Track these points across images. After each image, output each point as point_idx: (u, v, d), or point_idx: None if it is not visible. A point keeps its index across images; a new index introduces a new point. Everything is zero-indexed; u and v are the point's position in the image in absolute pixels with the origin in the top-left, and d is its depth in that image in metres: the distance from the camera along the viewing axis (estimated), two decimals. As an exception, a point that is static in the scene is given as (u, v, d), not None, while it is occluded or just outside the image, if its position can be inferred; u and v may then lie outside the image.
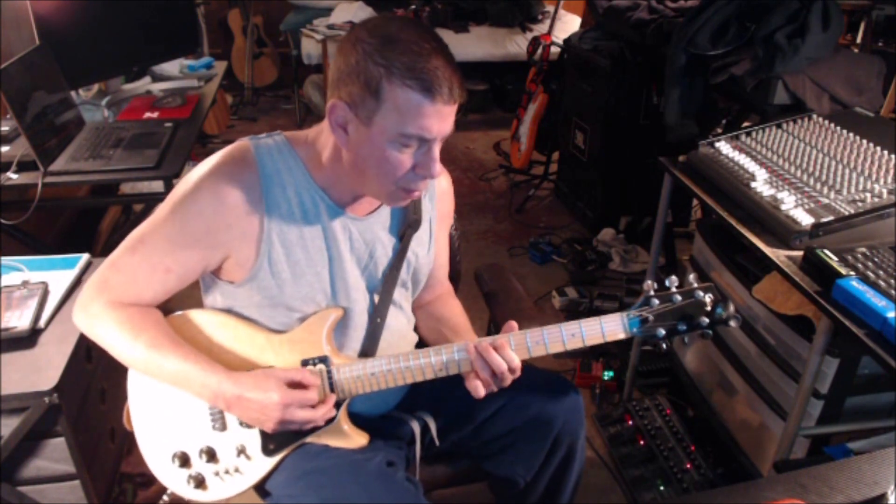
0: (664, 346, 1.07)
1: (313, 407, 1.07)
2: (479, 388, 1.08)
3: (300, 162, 1.08)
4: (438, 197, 1.27)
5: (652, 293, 1.06)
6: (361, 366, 1.11)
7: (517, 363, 1.07)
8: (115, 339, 1.05)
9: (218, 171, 1.05)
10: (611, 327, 1.07)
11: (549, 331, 1.08)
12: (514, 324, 1.11)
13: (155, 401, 1.13)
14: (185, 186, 1.05)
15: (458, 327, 1.27)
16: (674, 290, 1.05)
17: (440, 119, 0.97)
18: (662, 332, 1.05)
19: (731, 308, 1.04)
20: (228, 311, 1.14)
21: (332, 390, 1.11)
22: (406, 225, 1.19)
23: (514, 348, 1.08)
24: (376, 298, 1.19)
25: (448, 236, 1.38)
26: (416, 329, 1.33)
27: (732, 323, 1.05)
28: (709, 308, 1.04)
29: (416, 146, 0.99)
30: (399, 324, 1.24)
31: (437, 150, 1.01)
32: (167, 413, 1.12)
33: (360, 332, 1.18)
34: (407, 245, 1.18)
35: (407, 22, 0.97)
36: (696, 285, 1.05)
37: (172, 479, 1.13)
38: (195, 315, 1.14)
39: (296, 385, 1.06)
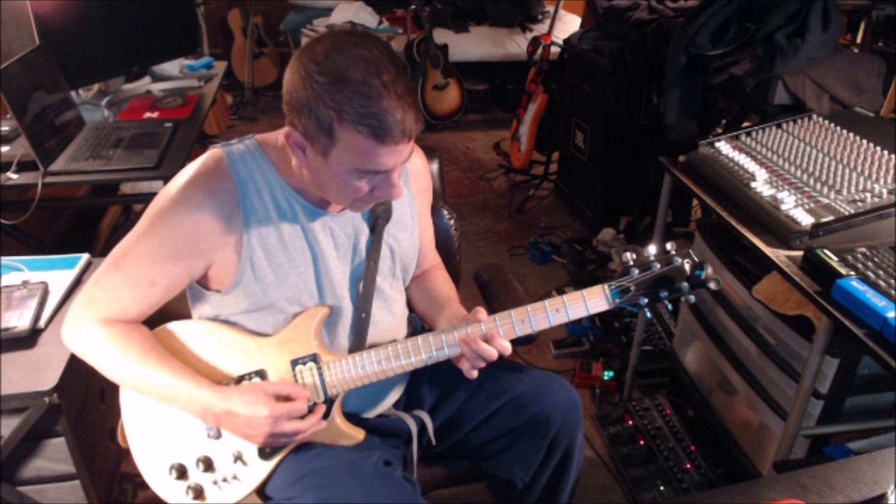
0: (648, 313, 1.08)
1: (302, 418, 1.08)
2: (472, 372, 1.11)
3: (272, 165, 1.09)
4: (413, 177, 1.27)
5: (631, 263, 1.07)
6: (352, 361, 1.12)
7: (509, 350, 1.08)
8: (103, 358, 1.06)
9: (193, 183, 1.05)
10: (594, 300, 1.08)
11: (534, 308, 1.09)
12: (482, 310, 1.12)
13: (149, 414, 1.13)
14: (162, 200, 1.06)
15: (443, 301, 1.28)
16: (652, 258, 1.06)
17: (395, 155, 0.98)
18: (645, 300, 1.07)
19: (710, 270, 1.06)
20: (215, 319, 1.14)
21: (324, 387, 1.12)
22: (375, 216, 1.19)
23: (502, 331, 1.09)
24: (360, 292, 1.19)
25: (430, 211, 1.38)
26: (408, 305, 1.34)
27: (712, 285, 1.06)
28: (688, 273, 1.05)
29: (374, 175, 1.01)
30: (386, 317, 1.24)
31: (396, 176, 1.03)
32: (162, 425, 1.12)
33: (347, 329, 1.18)
34: (380, 236, 1.19)
35: (357, 50, 0.93)
36: (674, 253, 1.06)
37: (171, 492, 1.13)
38: (181, 326, 1.14)
39: (284, 398, 1.07)
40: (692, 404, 2.05)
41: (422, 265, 1.36)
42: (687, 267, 1.05)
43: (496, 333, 1.08)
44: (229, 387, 1.08)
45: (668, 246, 1.07)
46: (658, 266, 1.05)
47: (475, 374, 1.11)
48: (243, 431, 1.06)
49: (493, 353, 1.08)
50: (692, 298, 1.07)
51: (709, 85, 2.21)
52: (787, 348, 1.51)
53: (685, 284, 1.05)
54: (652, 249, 1.07)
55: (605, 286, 1.07)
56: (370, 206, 1.11)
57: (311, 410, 1.11)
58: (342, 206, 1.14)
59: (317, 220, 1.12)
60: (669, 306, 1.09)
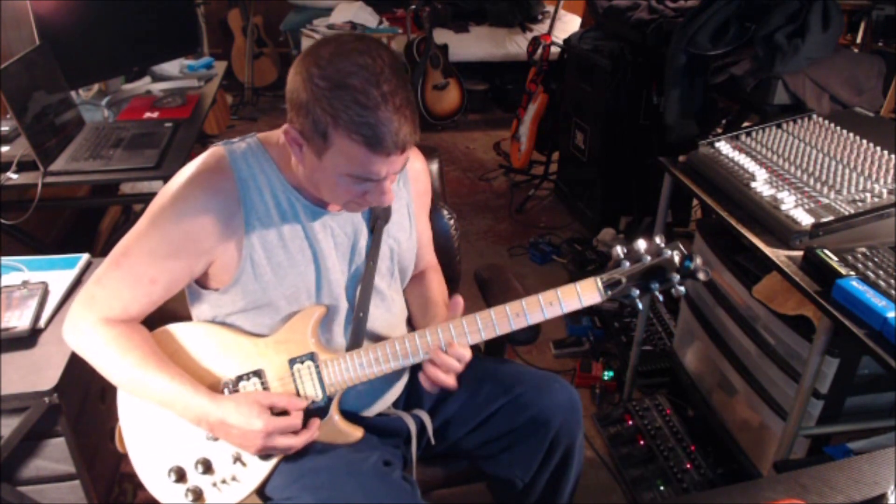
0: (639, 305, 1.09)
1: (296, 432, 1.08)
2: (426, 385, 1.13)
3: (273, 164, 1.10)
4: (412, 178, 1.27)
5: (622, 256, 1.08)
6: (350, 359, 1.12)
7: (468, 357, 1.10)
8: (103, 359, 1.06)
9: (194, 181, 1.06)
10: (587, 293, 1.09)
11: (529, 302, 1.10)
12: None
13: (147, 417, 1.13)
14: (163, 198, 1.06)
15: (434, 310, 1.28)
16: (643, 251, 1.08)
17: (388, 165, 0.99)
18: (636, 291, 1.08)
19: (699, 261, 1.07)
20: (213, 321, 1.14)
21: (322, 386, 1.12)
22: (374, 217, 1.19)
23: (496, 322, 1.10)
24: (358, 292, 1.19)
25: (428, 213, 1.38)
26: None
27: (701, 275, 1.07)
28: (678, 264, 1.07)
29: (365, 181, 1.01)
30: (384, 316, 1.24)
31: (388, 184, 1.03)
32: (160, 427, 1.12)
33: (345, 328, 1.19)
34: (379, 236, 1.19)
35: (361, 58, 0.94)
36: (663, 245, 1.07)
37: (170, 495, 1.12)
38: (180, 327, 1.14)
39: (280, 410, 1.07)
40: (692, 404, 2.05)
41: (418, 266, 1.36)
42: (676, 258, 1.07)
43: (451, 340, 1.10)
44: (226, 395, 1.08)
45: (658, 239, 1.08)
46: (648, 258, 1.07)
47: (429, 387, 1.13)
48: (236, 442, 1.07)
49: (453, 364, 1.09)
50: (682, 289, 1.08)
51: (709, 85, 2.21)
52: (787, 348, 1.51)
53: (675, 275, 1.07)
54: (642, 243, 1.08)
55: (597, 279, 1.09)
56: (364, 208, 1.12)
57: (306, 423, 1.11)
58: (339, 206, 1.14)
59: (317, 219, 1.12)
60: (661, 297, 1.10)
